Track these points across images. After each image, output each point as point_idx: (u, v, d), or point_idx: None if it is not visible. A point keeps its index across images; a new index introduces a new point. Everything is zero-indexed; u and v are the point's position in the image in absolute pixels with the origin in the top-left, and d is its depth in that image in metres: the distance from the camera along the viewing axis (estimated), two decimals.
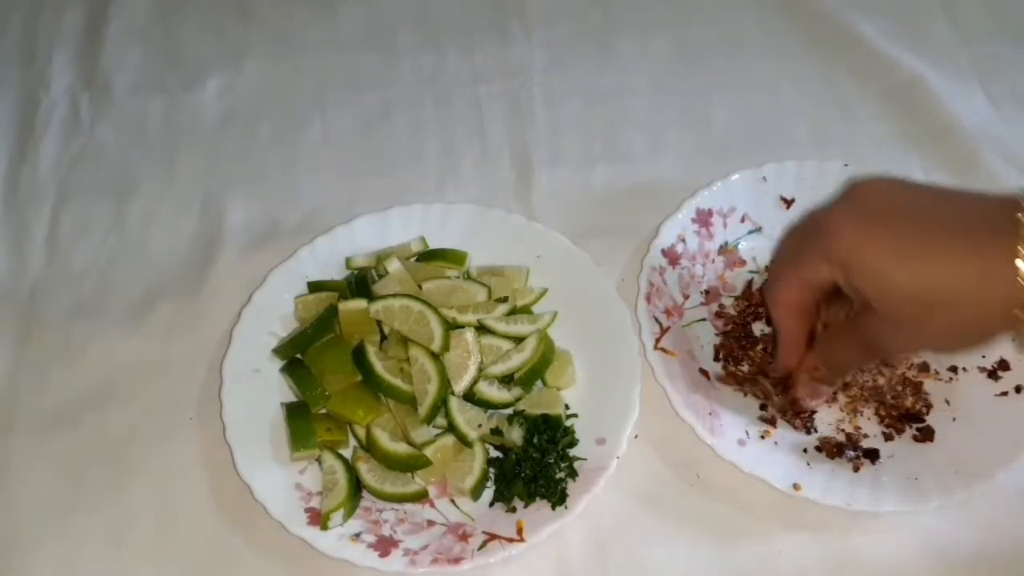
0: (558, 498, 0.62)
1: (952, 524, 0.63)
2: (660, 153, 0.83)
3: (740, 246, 0.75)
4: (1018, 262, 0.49)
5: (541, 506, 0.62)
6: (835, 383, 0.66)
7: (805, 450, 0.66)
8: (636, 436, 0.66)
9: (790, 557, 0.63)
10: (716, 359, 0.70)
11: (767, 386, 0.68)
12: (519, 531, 0.61)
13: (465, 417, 0.65)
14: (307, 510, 0.62)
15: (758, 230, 0.76)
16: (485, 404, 0.66)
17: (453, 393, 0.65)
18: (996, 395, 0.67)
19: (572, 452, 0.64)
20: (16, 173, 0.82)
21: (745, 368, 0.69)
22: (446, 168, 0.83)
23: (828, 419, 0.68)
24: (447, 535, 0.62)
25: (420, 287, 0.69)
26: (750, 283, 0.74)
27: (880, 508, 0.62)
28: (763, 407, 0.68)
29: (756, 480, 0.62)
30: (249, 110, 0.87)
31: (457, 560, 0.60)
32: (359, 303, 0.67)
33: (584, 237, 0.74)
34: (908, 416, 0.67)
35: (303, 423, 0.65)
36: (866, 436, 0.67)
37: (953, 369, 0.69)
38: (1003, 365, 0.68)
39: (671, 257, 0.73)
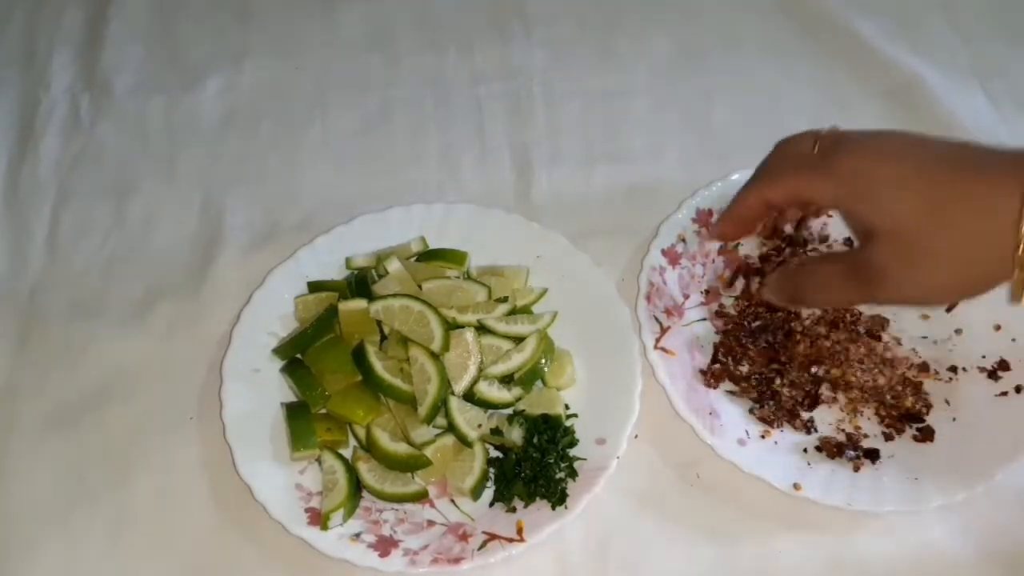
0: (558, 498, 0.62)
1: (952, 524, 0.63)
2: (660, 153, 0.83)
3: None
4: None
5: (541, 506, 0.62)
6: (803, 306, 0.64)
7: (805, 450, 0.66)
8: (636, 436, 0.66)
9: (790, 557, 0.63)
10: (716, 359, 0.70)
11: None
12: (519, 531, 0.61)
13: (465, 417, 0.65)
14: (307, 510, 0.62)
15: None
16: (485, 404, 0.66)
17: (453, 393, 0.65)
18: (996, 395, 0.67)
19: (572, 452, 0.64)
20: (16, 173, 0.82)
21: (745, 368, 0.69)
22: (446, 168, 0.83)
23: (828, 419, 0.68)
24: (447, 535, 0.62)
25: (420, 287, 0.69)
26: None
27: (880, 508, 0.62)
28: (751, 410, 0.68)
29: (756, 480, 0.63)
30: (249, 110, 0.87)
31: (457, 560, 0.60)
32: (359, 303, 0.67)
33: (584, 237, 0.74)
34: (908, 416, 0.67)
35: (303, 423, 0.65)
36: (866, 436, 0.67)
37: (953, 369, 0.69)
38: (1003, 365, 0.68)
39: (671, 257, 0.73)
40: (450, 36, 0.91)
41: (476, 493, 0.64)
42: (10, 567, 0.63)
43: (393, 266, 0.70)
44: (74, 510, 0.65)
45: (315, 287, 0.71)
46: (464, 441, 0.65)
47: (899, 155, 0.54)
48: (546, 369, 0.68)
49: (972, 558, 0.63)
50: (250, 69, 0.89)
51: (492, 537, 0.61)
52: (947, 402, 0.68)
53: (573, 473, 0.63)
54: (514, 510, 0.63)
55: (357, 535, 0.61)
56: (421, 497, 0.64)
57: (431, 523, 0.63)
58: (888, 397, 0.68)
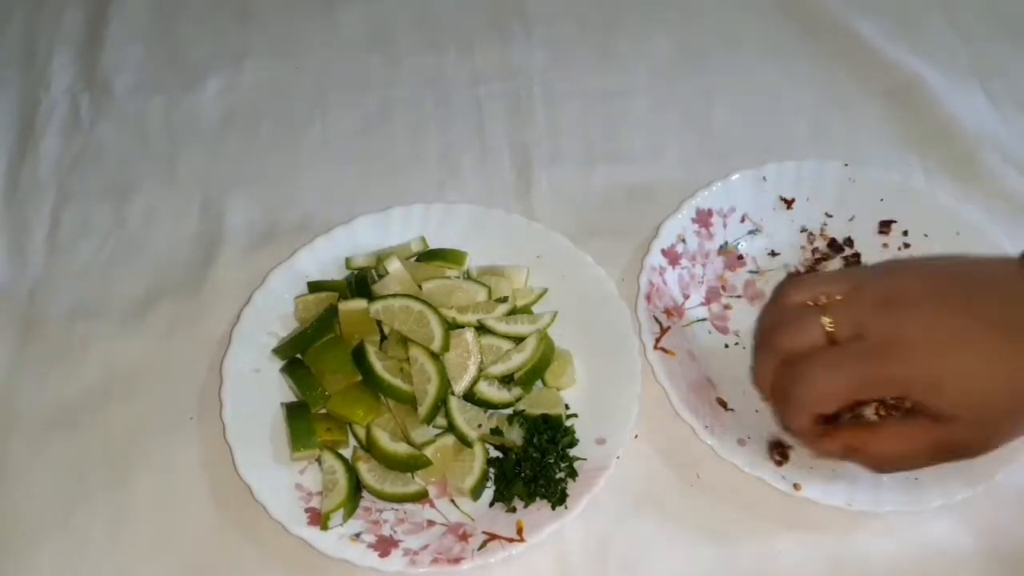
0: (558, 498, 0.62)
1: (952, 524, 0.63)
2: (660, 153, 0.83)
3: (740, 246, 0.75)
4: None
5: (541, 506, 0.62)
6: (880, 471, 0.61)
7: None
8: (636, 436, 0.66)
9: (790, 557, 0.63)
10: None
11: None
12: (519, 531, 0.61)
13: (465, 417, 0.65)
14: (307, 510, 0.62)
15: (758, 230, 0.76)
16: (485, 404, 0.66)
17: (453, 393, 0.65)
18: None
19: (572, 452, 0.64)
20: (16, 173, 0.82)
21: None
22: (446, 168, 0.82)
23: None
24: (447, 535, 0.62)
25: (420, 287, 0.69)
26: (748, 283, 0.74)
27: (880, 508, 0.62)
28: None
29: (756, 480, 0.63)
30: (249, 110, 0.87)
31: (457, 560, 0.60)
32: (359, 303, 0.67)
33: (584, 237, 0.74)
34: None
35: (303, 423, 0.65)
36: None
37: None
38: None
39: (671, 257, 0.73)
40: (450, 36, 0.91)
41: (476, 493, 0.64)
42: (10, 567, 0.63)
43: (393, 266, 0.70)
44: (74, 510, 0.65)
45: (315, 287, 0.71)
46: (464, 441, 0.65)
47: (955, 334, 0.53)
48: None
49: (972, 558, 0.63)
50: (250, 69, 0.89)
51: (492, 537, 0.61)
52: None
53: (573, 473, 0.63)
54: (514, 510, 0.63)
55: (357, 535, 0.61)
56: (421, 497, 0.64)
57: (431, 523, 0.63)
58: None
